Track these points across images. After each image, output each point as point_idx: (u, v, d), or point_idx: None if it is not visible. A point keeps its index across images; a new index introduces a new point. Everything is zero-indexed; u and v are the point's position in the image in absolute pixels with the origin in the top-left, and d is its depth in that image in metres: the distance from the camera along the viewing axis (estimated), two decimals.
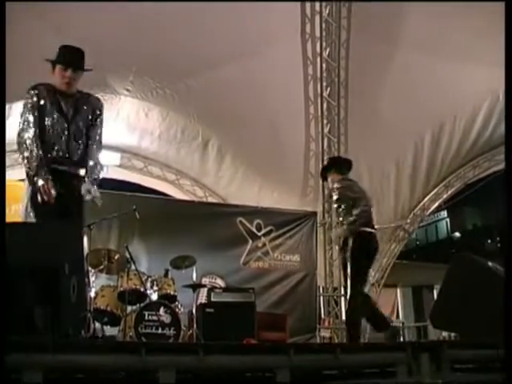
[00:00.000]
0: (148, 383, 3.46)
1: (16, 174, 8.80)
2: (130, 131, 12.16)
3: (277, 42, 11.05)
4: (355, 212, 6.40)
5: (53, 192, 4.48)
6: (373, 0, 10.67)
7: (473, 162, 13.67)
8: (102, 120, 5.21)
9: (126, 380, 3.54)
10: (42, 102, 4.71)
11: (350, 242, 6.35)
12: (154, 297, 8.20)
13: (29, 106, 4.69)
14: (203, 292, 9.64)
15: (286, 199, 13.00)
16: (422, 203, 14.06)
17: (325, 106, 12.51)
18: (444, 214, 33.78)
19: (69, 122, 4.81)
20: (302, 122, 12.62)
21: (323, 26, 11.66)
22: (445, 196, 14.14)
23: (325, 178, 6.98)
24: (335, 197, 6.61)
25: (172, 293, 8.45)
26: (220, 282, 10.91)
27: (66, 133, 4.77)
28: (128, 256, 8.10)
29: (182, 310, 8.41)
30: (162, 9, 9.62)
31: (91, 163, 4.94)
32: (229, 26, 10.33)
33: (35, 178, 4.52)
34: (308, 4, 11.47)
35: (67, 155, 4.75)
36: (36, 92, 4.72)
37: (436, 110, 12.00)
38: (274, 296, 11.43)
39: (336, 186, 6.63)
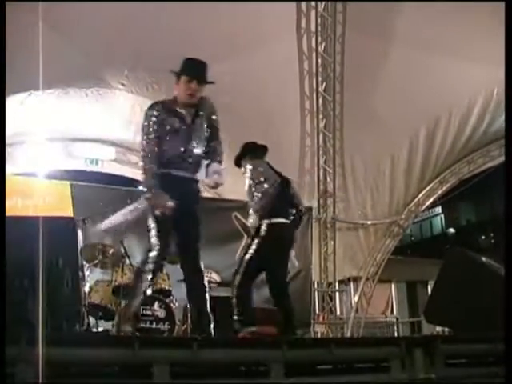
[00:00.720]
0: (142, 377, 3.45)
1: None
2: (124, 125, 12.10)
3: (272, 37, 11.01)
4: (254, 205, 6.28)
5: (168, 204, 4.61)
6: (369, 0, 10.67)
7: (467, 158, 13.70)
8: (218, 122, 5.44)
9: (120, 374, 3.54)
10: (160, 119, 4.88)
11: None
12: (149, 291, 8.16)
13: (149, 123, 4.86)
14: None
15: None
16: (416, 199, 14.09)
17: (320, 101, 12.48)
18: (439, 209, 33.76)
19: (190, 130, 4.99)
20: (297, 118, 12.60)
21: (319, 20, 11.62)
22: (439, 192, 14.18)
23: (239, 165, 6.69)
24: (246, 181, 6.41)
25: (167, 287, 8.43)
26: (215, 277, 10.88)
27: (187, 140, 4.95)
28: (123, 251, 8.09)
29: (176, 304, 8.38)
30: (158, 3, 9.60)
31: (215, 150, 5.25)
32: (224, 21, 10.30)
33: (148, 194, 4.68)
34: None
35: (189, 161, 4.93)
36: (154, 113, 4.92)
37: (431, 106, 12.01)
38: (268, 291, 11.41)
39: (248, 168, 6.44)
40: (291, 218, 6.52)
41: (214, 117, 5.35)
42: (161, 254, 4.76)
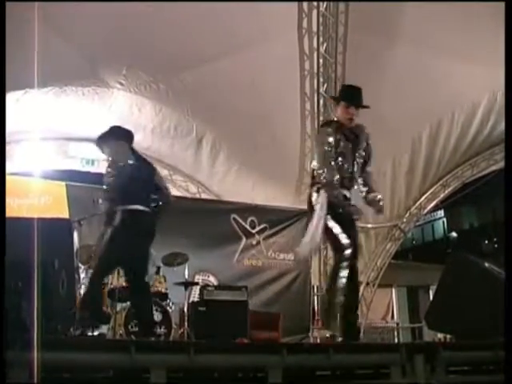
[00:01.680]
0: (138, 382, 3.45)
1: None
2: (122, 125, 12.09)
3: (273, 36, 11.01)
4: None
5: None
6: (371, 0, 10.68)
7: (470, 161, 13.70)
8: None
9: (115, 379, 3.53)
10: (333, 138, 5.30)
11: None
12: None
13: (324, 140, 5.33)
14: (195, 290, 9.65)
15: (281, 196, 12.98)
16: (418, 202, 14.07)
17: (321, 102, 12.47)
18: (441, 213, 33.74)
19: (354, 152, 5.46)
20: (297, 119, 12.58)
21: (320, 20, 11.61)
22: (442, 195, 14.16)
23: (102, 150, 6.53)
24: None
25: (163, 290, 8.44)
26: (213, 280, 10.90)
27: (351, 161, 5.43)
28: None
29: (173, 308, 8.39)
30: (156, 2, 9.60)
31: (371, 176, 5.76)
32: (225, 19, 10.30)
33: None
34: None
35: (348, 181, 5.43)
36: (329, 130, 5.37)
37: (434, 107, 12.01)
38: (267, 295, 11.42)
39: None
40: (152, 205, 6.19)
41: (369, 142, 5.74)
42: (354, 252, 5.27)
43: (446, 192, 14.08)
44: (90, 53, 10.14)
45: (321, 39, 11.84)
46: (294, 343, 9.35)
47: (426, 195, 14.00)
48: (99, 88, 10.98)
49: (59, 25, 9.35)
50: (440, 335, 12.12)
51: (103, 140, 6.39)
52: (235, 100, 11.56)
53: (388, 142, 12.41)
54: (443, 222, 35.62)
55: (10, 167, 11.13)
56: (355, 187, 5.61)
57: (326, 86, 12.34)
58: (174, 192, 13.49)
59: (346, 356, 4.12)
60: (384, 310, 20.30)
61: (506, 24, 5.32)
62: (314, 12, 11.54)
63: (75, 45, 9.79)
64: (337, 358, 3.95)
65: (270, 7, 10.41)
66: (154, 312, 7.72)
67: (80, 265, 7.83)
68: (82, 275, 7.96)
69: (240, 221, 11.80)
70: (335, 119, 5.56)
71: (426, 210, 14.54)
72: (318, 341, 11.33)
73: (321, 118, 12.58)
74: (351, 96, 5.56)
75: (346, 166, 5.35)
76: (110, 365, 3.48)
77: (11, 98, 10.21)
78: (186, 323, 8.19)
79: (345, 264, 5.18)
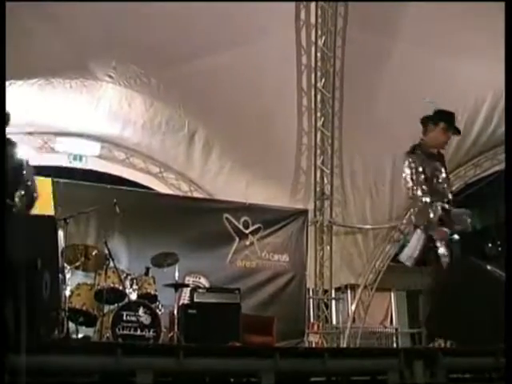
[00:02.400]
0: None
1: None
2: (111, 120, 12.08)
3: (270, 29, 11.01)
4: None
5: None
6: (371, 0, 10.69)
7: (474, 161, 13.70)
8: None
9: (102, 383, 3.52)
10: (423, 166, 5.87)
11: None
12: (134, 296, 8.17)
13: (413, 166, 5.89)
14: (186, 292, 9.64)
15: (276, 196, 12.97)
16: None
17: (319, 97, 12.47)
18: None
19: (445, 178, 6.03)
20: (294, 115, 12.58)
21: (319, 12, 11.62)
22: None
23: None
24: None
25: (152, 292, 8.43)
26: (204, 282, 10.89)
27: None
28: (106, 252, 8.10)
29: (162, 310, 8.38)
30: None
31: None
32: (220, 12, 10.27)
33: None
34: None
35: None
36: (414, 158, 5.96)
37: (435, 105, 11.99)
38: (260, 297, 11.42)
39: None
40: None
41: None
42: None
43: None
44: (79, 43, 10.09)
45: (319, 32, 11.84)
46: (288, 347, 9.34)
47: None
48: (87, 81, 10.94)
49: (46, 14, 9.31)
50: (440, 341, 12.15)
51: None
52: (229, 95, 11.54)
53: (388, 140, 12.42)
54: None
55: None
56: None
57: (323, 81, 12.35)
58: (165, 190, 13.52)
59: (342, 361, 4.10)
60: (382, 314, 20.31)
61: (505, 24, 5.47)
62: (312, 4, 11.55)
63: (63, 35, 9.75)
64: (332, 363, 3.93)
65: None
66: (143, 314, 7.73)
67: (65, 265, 7.80)
68: (68, 276, 7.94)
69: (233, 220, 11.79)
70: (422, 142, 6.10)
71: None
72: (314, 345, 11.35)
73: (318, 114, 12.58)
74: (452, 121, 6.08)
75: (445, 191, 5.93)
76: (96, 368, 3.46)
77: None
78: (175, 326, 8.17)
79: None
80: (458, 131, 6.13)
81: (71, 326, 7.70)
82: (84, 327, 8.04)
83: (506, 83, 5.59)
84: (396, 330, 20.08)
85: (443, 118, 5.99)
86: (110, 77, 11.15)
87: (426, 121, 6.12)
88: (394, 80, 11.54)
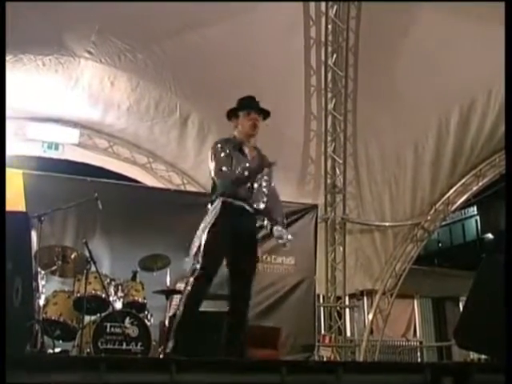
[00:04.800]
0: None
1: None
2: (91, 103, 12.09)
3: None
4: None
5: None
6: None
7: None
8: None
9: None
10: None
11: None
12: (119, 305, 8.19)
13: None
14: (178, 299, 9.64)
15: (280, 189, 12.91)
16: (445, 197, 14.07)
17: (330, 76, 12.48)
18: (473, 210, 33.80)
19: None
20: (301, 96, 12.58)
21: None
22: (475, 188, 14.14)
23: None
24: None
25: (140, 300, 8.46)
26: None
27: None
28: (87, 255, 8.08)
29: (152, 321, 8.40)
30: None
31: None
32: None
33: None
34: None
35: None
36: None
37: (466, 82, 11.93)
38: (263, 305, 11.41)
39: None
40: None
41: None
42: None
43: (480, 184, 14.05)
44: (53, 14, 10.08)
45: (329, 2, 11.82)
46: (297, 361, 9.36)
47: (455, 188, 13.99)
48: (63, 57, 10.91)
49: None
50: (473, 355, 12.18)
51: None
52: (227, 74, 11.52)
53: (409, 125, 12.42)
54: (476, 221, 35.64)
55: None
56: None
57: (335, 57, 12.33)
58: (155, 183, 13.54)
59: (359, 377, 4.10)
60: (404, 325, 20.36)
61: (506, 24, 5.61)
62: None
63: (34, 4, 9.73)
64: (347, 379, 3.94)
65: None
66: (130, 326, 7.74)
67: (39, 269, 7.81)
68: (42, 282, 7.94)
69: None
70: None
71: (454, 206, 14.53)
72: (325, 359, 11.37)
73: (329, 95, 12.56)
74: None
75: None
76: None
77: None
78: (167, 339, 8.18)
79: None
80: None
81: (47, 339, 7.69)
82: (61, 341, 8.06)
83: (506, 83, 5.72)
84: (420, 343, 20.12)
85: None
86: (90, 53, 11.12)
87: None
88: (416, 53, 11.48)
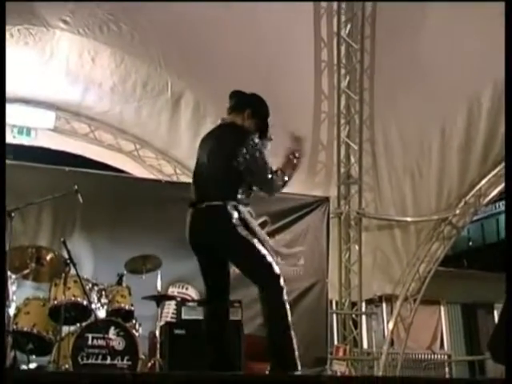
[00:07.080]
0: None
1: None
2: (69, 81, 12.08)
3: None
4: None
5: None
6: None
7: None
8: None
9: None
10: None
11: None
12: (102, 313, 8.20)
13: None
14: (170, 306, 9.67)
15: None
16: (476, 188, 14.05)
17: (343, 50, 12.46)
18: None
19: None
20: (310, 72, 12.56)
21: None
22: None
23: None
24: None
25: (127, 307, 8.46)
26: (192, 293, 10.88)
27: None
28: (66, 256, 8.07)
29: (140, 331, 8.42)
30: None
31: None
32: None
33: None
34: None
35: None
36: None
37: (501, 58, 11.89)
38: None
39: None
40: None
41: None
42: None
43: None
44: None
45: None
46: (306, 376, 9.36)
47: (487, 178, 13.94)
48: (35, 27, 10.87)
49: None
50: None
51: None
52: (226, 47, 11.51)
53: (434, 106, 12.38)
54: None
55: None
56: None
57: (349, 27, 12.33)
58: (143, 173, 13.54)
59: None
60: (430, 335, 20.35)
61: (506, 24, 5.79)
62: None
63: None
64: None
65: None
66: (115, 337, 7.76)
67: (10, 273, 7.80)
68: (13, 288, 7.93)
69: None
70: None
71: (487, 199, 14.50)
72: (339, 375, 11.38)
73: (342, 72, 12.53)
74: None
75: None
76: None
77: None
78: (157, 352, 8.21)
79: None
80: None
81: (19, 354, 7.66)
82: (34, 356, 8.03)
83: (506, 83, 5.90)
84: (449, 356, 20.10)
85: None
86: (66, 23, 11.05)
87: None
88: (443, 22, 11.47)
